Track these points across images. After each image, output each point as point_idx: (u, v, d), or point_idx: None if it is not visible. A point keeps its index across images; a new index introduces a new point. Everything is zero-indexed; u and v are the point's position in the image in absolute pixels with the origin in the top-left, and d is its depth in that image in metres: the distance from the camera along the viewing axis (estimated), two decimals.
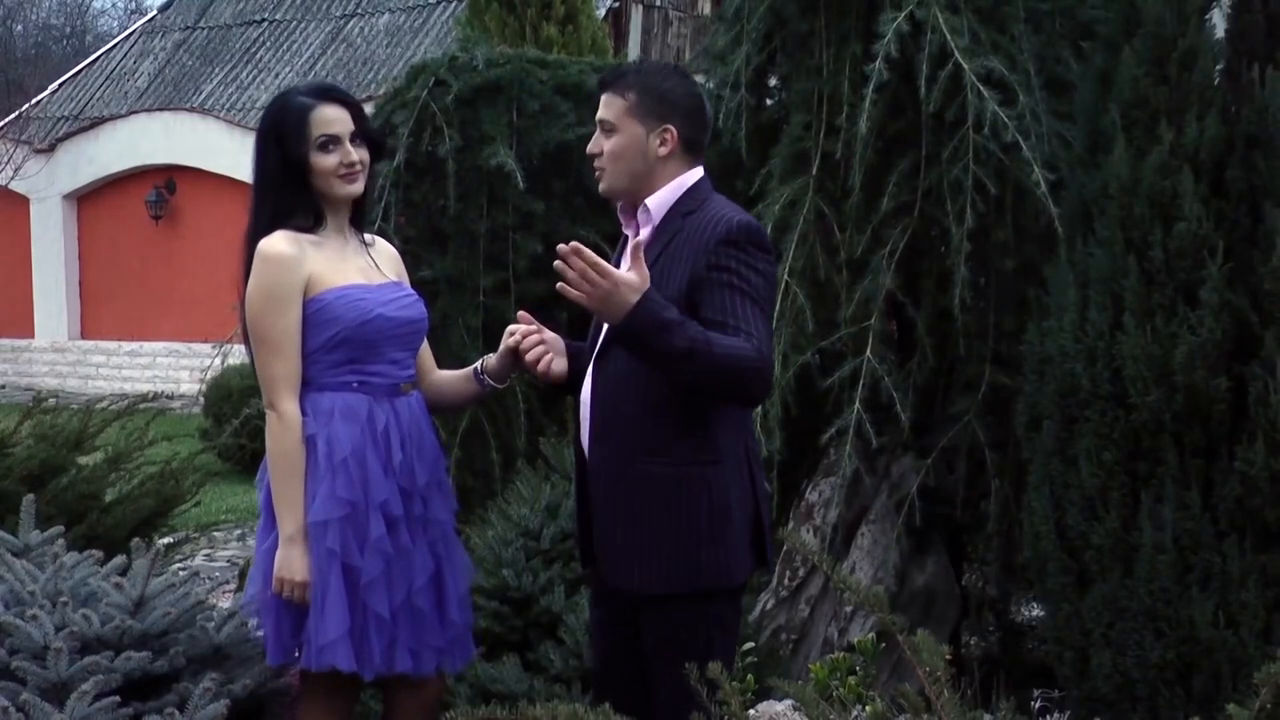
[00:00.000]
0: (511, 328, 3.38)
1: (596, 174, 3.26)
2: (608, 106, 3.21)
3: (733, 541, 3.15)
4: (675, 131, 3.17)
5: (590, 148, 3.26)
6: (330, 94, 3.43)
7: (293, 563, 3.28)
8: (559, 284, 2.96)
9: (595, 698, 3.35)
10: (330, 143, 3.36)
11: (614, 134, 3.20)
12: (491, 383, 3.51)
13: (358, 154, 3.39)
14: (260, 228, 3.37)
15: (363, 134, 3.42)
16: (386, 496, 3.33)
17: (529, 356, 3.32)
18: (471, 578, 3.63)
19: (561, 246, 2.93)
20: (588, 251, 2.92)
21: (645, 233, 3.20)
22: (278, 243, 3.32)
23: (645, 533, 3.14)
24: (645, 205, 3.20)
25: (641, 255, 2.98)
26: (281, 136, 3.36)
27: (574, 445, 3.43)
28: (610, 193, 3.27)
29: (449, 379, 3.61)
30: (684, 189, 3.20)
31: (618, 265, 3.17)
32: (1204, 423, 3.77)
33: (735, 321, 3.00)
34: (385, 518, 3.33)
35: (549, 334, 3.33)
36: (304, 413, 3.32)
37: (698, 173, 3.23)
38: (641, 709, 3.06)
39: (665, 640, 3.17)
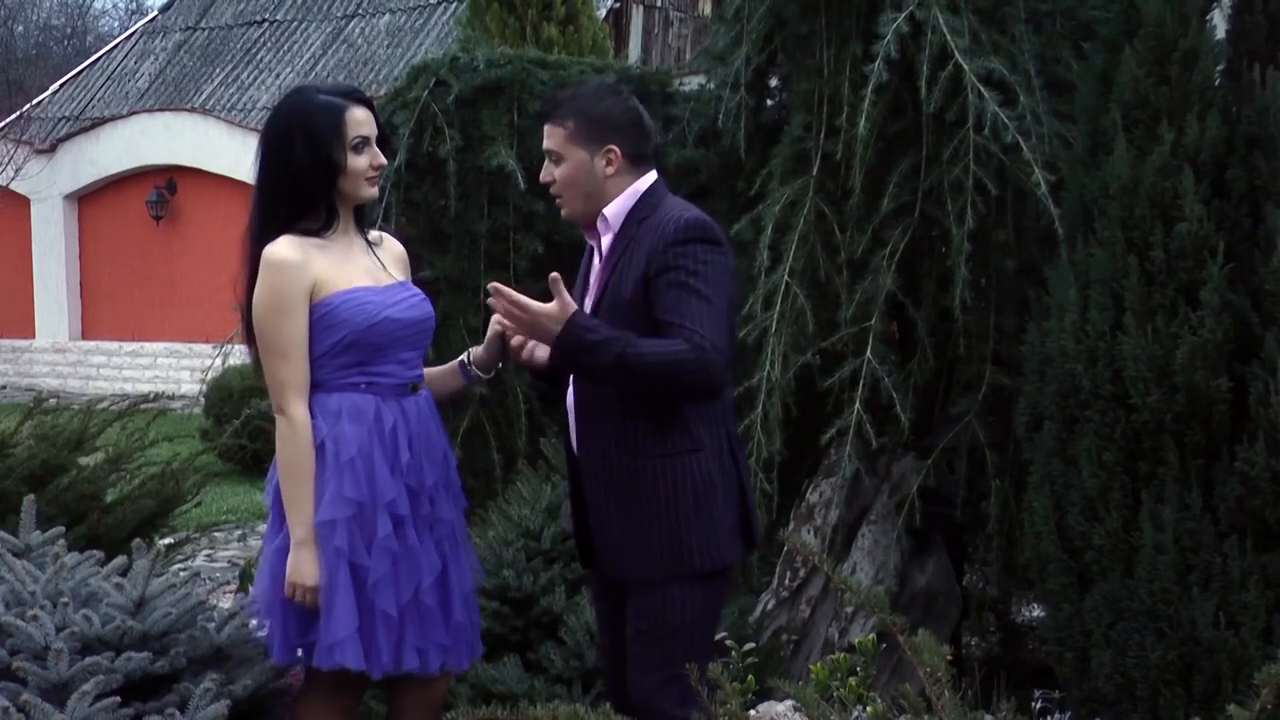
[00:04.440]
0: (496, 316, 3.39)
1: (557, 201, 3.39)
2: (550, 136, 3.34)
3: (719, 524, 3.28)
4: (618, 149, 3.30)
5: (542, 177, 3.39)
6: (356, 94, 3.42)
7: (303, 566, 3.28)
8: (493, 316, 3.30)
9: (606, 689, 3.43)
10: (363, 144, 3.36)
11: (561, 162, 3.32)
12: (478, 373, 3.53)
13: (381, 157, 3.40)
14: (273, 226, 3.34)
15: (382, 137, 3.42)
16: (394, 496, 3.33)
17: (514, 343, 3.38)
18: (480, 578, 3.64)
19: (490, 286, 3.22)
20: (507, 290, 3.18)
21: (607, 240, 3.34)
22: (282, 249, 3.30)
23: (636, 522, 3.26)
24: (604, 215, 3.33)
25: (561, 286, 3.15)
26: (314, 134, 3.31)
27: (563, 446, 3.54)
28: (571, 218, 3.41)
29: (434, 374, 3.61)
30: (638, 195, 3.33)
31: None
32: (1205, 423, 3.76)
33: (679, 320, 3.14)
34: (392, 517, 3.33)
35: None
36: (312, 414, 3.32)
37: (649, 178, 3.36)
38: None
39: (648, 618, 3.26)
